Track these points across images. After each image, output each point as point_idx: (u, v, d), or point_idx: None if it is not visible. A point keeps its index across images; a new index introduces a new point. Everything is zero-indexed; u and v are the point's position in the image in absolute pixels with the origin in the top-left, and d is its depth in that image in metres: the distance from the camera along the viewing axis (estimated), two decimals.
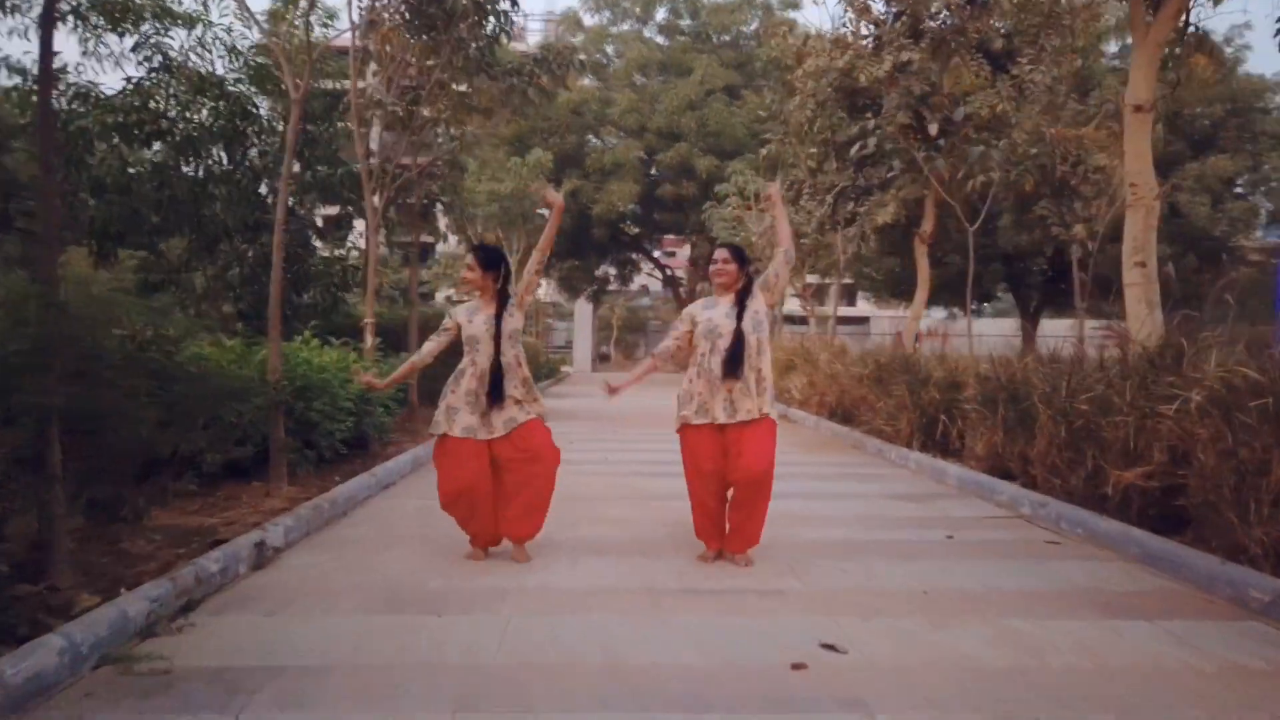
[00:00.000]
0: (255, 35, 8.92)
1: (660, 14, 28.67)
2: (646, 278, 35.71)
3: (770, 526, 4.22)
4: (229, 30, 8.97)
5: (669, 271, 33.09)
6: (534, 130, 23.47)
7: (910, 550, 4.51)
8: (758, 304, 4.09)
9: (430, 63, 8.76)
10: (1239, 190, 21.21)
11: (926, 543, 4.70)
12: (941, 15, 10.52)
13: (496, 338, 4.07)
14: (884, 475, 7.19)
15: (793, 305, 23.70)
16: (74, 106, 8.39)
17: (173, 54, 8.78)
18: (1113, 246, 12.75)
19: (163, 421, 3.87)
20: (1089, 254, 11.87)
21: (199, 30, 8.85)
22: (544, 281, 25.06)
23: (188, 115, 8.95)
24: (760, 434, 4.00)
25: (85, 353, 3.37)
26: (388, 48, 8.61)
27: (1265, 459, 3.77)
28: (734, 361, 3.98)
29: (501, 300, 4.13)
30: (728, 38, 27.73)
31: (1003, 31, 11.38)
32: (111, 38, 8.55)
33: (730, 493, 4.12)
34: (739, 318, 4.04)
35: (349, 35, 8.30)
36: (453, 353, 4.30)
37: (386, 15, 8.46)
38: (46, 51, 3.64)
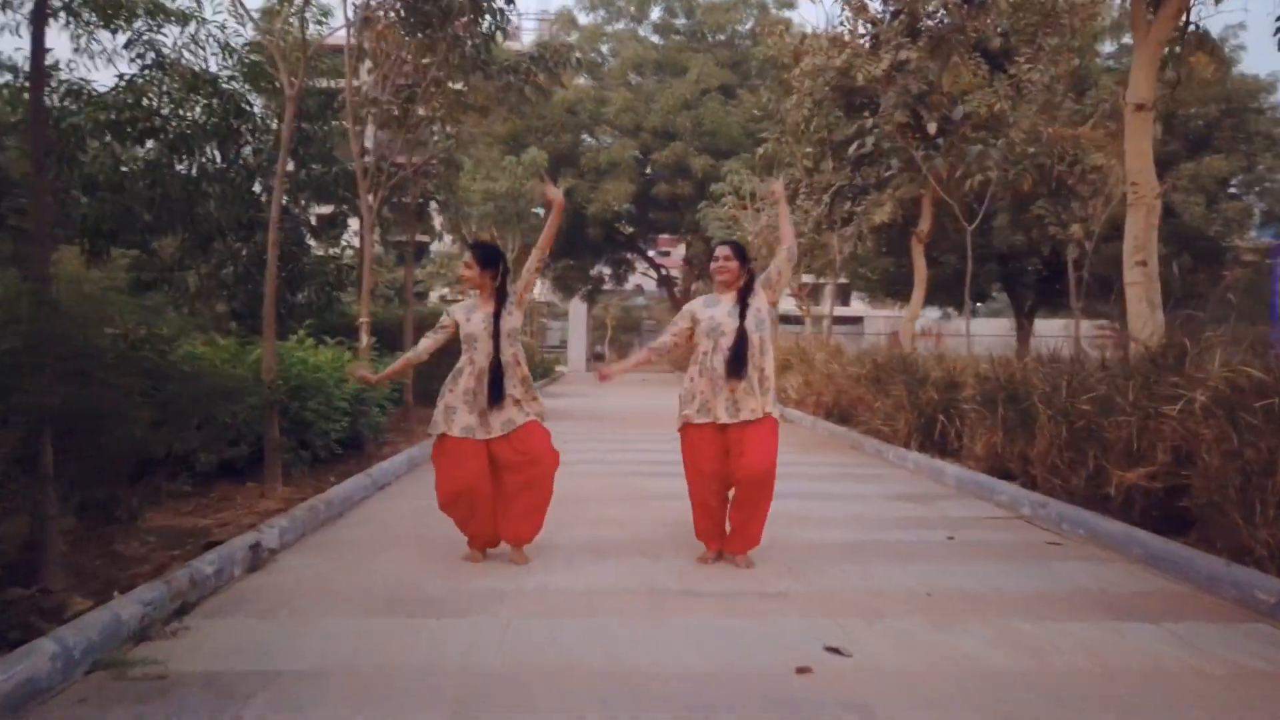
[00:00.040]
0: (249, 32, 8.88)
1: (655, 13, 28.73)
2: (641, 277, 35.77)
3: (769, 527, 4.19)
4: (223, 27, 8.94)
5: (664, 271, 33.10)
6: (529, 129, 23.46)
7: (910, 551, 4.49)
8: (760, 302, 4.06)
9: (425, 61, 8.70)
10: (1233, 190, 21.28)
11: (927, 543, 4.69)
12: (939, 14, 10.52)
13: (495, 336, 4.04)
14: (882, 475, 7.17)
15: (787, 304, 23.67)
16: (66, 104, 8.31)
17: (166, 51, 8.71)
18: (1108, 246, 12.82)
19: (156, 421, 3.82)
20: (1085, 254, 11.88)
21: (192, 27, 8.80)
22: (539, 281, 25.02)
23: (181, 113, 8.89)
24: (763, 433, 3.97)
25: (78, 352, 3.32)
26: (383, 45, 8.56)
27: (1271, 460, 3.75)
28: (738, 361, 3.94)
29: (500, 298, 4.09)
30: (723, 37, 27.77)
31: (1000, 30, 11.37)
32: (104, 34, 8.49)
33: (732, 493, 4.09)
34: (742, 316, 4.00)
35: (344, 33, 8.24)
36: (449, 352, 4.26)
37: (381, 13, 8.40)
38: (39, 48, 3.60)
